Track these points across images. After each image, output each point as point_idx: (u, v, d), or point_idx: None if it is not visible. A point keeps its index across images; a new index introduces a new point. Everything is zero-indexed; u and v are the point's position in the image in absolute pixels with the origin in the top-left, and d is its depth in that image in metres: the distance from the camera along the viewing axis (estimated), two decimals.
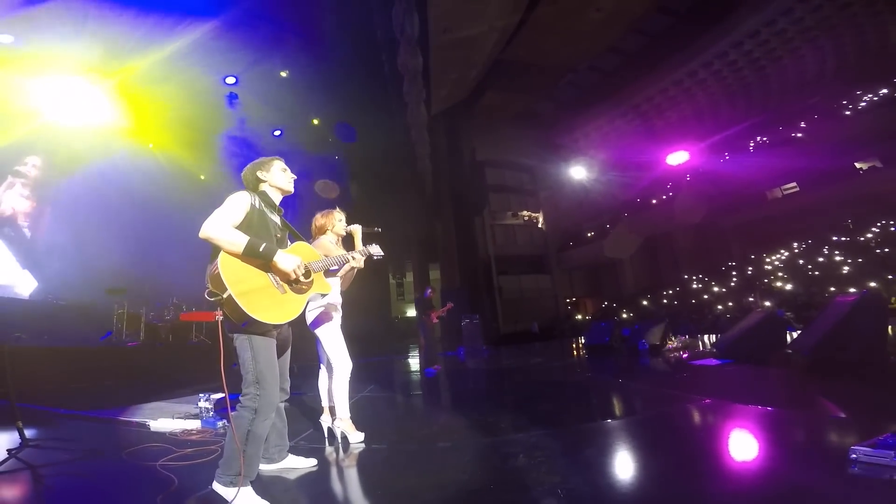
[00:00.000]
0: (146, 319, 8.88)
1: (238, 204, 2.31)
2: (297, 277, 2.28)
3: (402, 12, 11.55)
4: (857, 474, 1.94)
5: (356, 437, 3.22)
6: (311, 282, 2.43)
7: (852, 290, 10.81)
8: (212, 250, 2.19)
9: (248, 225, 2.31)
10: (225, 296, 2.08)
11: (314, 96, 13.37)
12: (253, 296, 2.14)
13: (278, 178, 2.56)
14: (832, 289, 12.91)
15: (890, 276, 12.19)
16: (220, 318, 2.14)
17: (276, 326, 2.30)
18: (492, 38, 16.91)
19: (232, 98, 11.96)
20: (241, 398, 2.24)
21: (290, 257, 2.26)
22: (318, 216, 3.47)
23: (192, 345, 8.89)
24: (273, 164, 2.58)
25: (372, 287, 15.19)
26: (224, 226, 2.18)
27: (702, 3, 19.14)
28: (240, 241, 2.15)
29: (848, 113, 20.91)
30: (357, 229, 3.37)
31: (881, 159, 19.05)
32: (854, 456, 2.03)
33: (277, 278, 2.28)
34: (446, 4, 14.15)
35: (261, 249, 2.17)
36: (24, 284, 9.07)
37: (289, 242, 2.57)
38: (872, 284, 12.04)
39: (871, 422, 2.72)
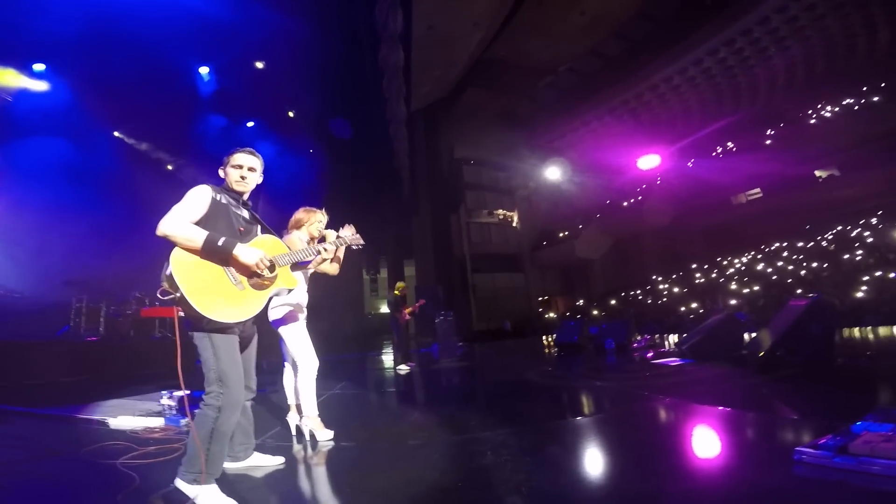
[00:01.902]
0: (106, 313, 8.56)
1: (196, 199, 2.22)
2: (259, 271, 2.19)
3: (386, 7, 11.45)
4: (800, 474, 2.06)
5: (324, 435, 3.19)
6: (275, 276, 2.34)
7: (804, 293, 11.35)
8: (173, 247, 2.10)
9: (208, 219, 2.23)
10: (178, 295, 2.01)
11: (290, 88, 13.13)
12: (207, 294, 2.07)
13: (230, 175, 2.42)
14: (785, 291, 13.52)
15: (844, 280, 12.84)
16: (180, 314, 2.09)
17: (236, 323, 2.22)
18: (476, 36, 16.96)
19: (205, 87, 11.62)
20: (203, 397, 2.19)
21: (251, 250, 2.18)
22: (300, 210, 3.41)
23: (156, 340, 8.64)
24: (229, 159, 2.42)
25: (345, 283, 15.08)
26: (181, 222, 2.09)
27: (683, 11, 19.62)
28: (198, 237, 2.07)
29: (814, 120, 21.74)
30: (331, 235, 3.17)
31: (839, 167, 19.97)
32: (798, 456, 2.14)
33: (235, 274, 2.19)
34: (432, 1, 14.08)
35: (220, 244, 2.09)
36: None
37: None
38: (829, 288, 12.67)
39: (817, 423, 2.89)
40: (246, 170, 2.44)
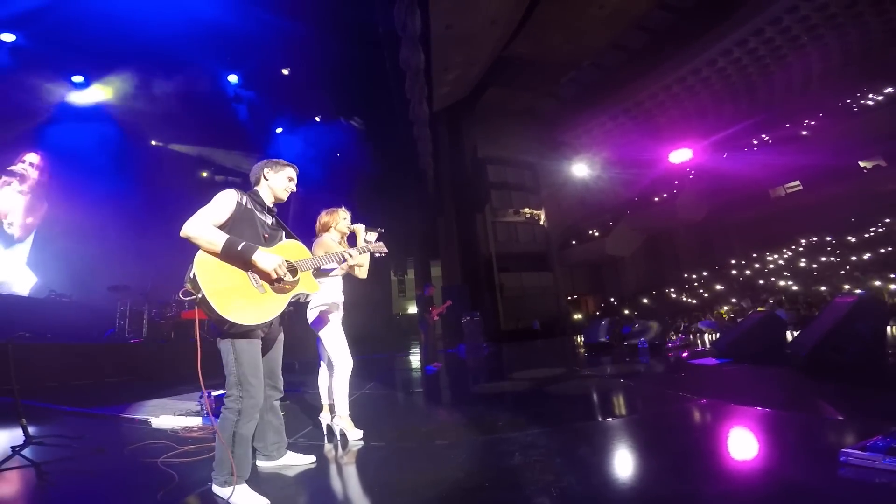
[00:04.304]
0: (148, 316, 8.94)
1: (222, 203, 2.28)
2: (278, 276, 2.22)
3: (403, 8, 11.52)
4: (846, 476, 1.96)
5: (355, 435, 3.24)
6: (297, 281, 2.35)
7: (850, 289, 10.79)
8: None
9: (233, 224, 2.28)
10: (199, 296, 2.06)
11: (316, 93, 13.39)
12: (228, 296, 2.10)
13: (279, 182, 2.53)
14: (829, 287, 12.88)
15: (892, 275, 12.15)
16: (202, 318, 2.15)
17: (258, 327, 2.24)
18: (494, 34, 16.86)
19: (234, 95, 11.99)
20: (224, 400, 2.24)
21: (270, 256, 2.20)
22: (322, 213, 3.49)
23: (194, 342, 8.93)
24: (284, 169, 2.56)
25: (373, 284, 15.26)
26: (204, 225, 2.14)
27: (706, 0, 19.00)
28: (218, 240, 2.11)
29: (856, 109, 20.69)
30: (360, 228, 3.34)
31: (885, 157, 18.94)
32: (844, 458, 2.04)
33: (257, 277, 2.22)
34: (448, 1, 14.09)
35: (239, 248, 2.13)
36: (22, 282, 9.15)
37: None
38: (877, 283, 12.02)
39: (864, 424, 2.74)
40: (293, 184, 2.60)
